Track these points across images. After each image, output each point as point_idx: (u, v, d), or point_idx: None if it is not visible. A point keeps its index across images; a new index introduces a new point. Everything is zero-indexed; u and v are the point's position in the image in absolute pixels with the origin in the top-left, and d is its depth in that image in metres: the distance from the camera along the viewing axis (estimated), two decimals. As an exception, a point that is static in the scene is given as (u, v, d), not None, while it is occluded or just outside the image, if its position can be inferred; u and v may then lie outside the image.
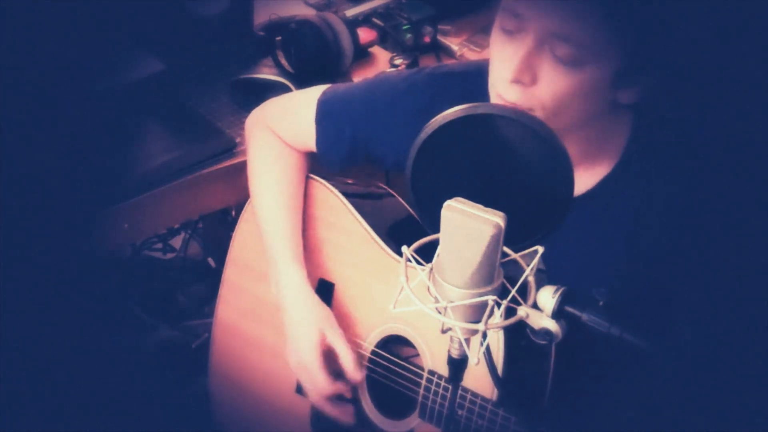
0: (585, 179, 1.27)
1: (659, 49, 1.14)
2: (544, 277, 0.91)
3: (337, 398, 1.42)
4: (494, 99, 1.18)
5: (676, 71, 1.20)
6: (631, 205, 1.26)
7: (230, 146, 1.66)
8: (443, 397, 1.34)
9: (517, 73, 1.11)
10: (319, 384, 1.39)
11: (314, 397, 1.41)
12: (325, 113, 1.44)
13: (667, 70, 1.17)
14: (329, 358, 1.40)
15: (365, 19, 1.98)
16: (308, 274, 1.44)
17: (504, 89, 1.14)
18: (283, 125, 1.51)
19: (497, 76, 1.16)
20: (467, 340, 0.90)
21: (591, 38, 1.09)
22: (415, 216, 1.50)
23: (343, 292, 1.47)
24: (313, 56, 1.79)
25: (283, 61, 1.84)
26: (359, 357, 1.43)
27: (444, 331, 0.90)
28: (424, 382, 1.36)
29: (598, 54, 1.10)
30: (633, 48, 1.11)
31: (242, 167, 1.60)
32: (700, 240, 1.22)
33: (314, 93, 1.47)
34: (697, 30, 1.16)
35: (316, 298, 1.42)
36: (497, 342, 1.24)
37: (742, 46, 1.20)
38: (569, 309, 0.92)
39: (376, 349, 1.43)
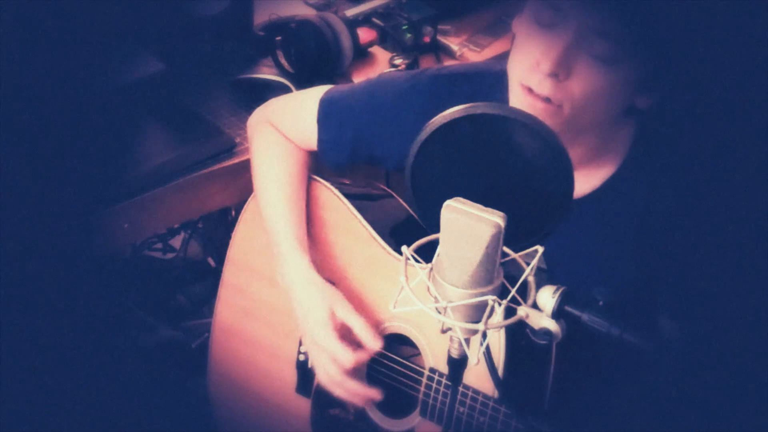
0: (589, 180, 1.27)
1: (686, 52, 1.14)
2: (545, 277, 0.91)
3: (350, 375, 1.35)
4: (519, 92, 1.17)
5: (690, 76, 1.20)
6: (634, 206, 1.26)
7: (230, 146, 1.66)
8: (444, 395, 1.34)
9: (555, 67, 1.11)
10: (339, 357, 1.33)
11: (335, 377, 1.35)
12: (326, 113, 1.44)
13: (686, 75, 1.18)
14: (342, 335, 1.36)
15: (365, 19, 1.98)
16: None
17: (536, 82, 1.14)
18: (286, 123, 1.51)
19: (528, 69, 1.15)
20: (467, 340, 0.90)
21: (629, 36, 1.09)
22: (415, 216, 1.50)
23: (343, 291, 1.47)
24: (313, 56, 1.79)
25: (283, 61, 1.84)
26: (375, 325, 1.39)
27: (444, 331, 0.90)
28: (425, 380, 1.36)
29: (633, 53, 1.11)
30: (664, 49, 1.12)
31: (242, 167, 1.60)
32: (703, 242, 1.22)
33: (317, 93, 1.48)
34: (713, 35, 1.16)
35: (321, 279, 1.40)
36: (499, 342, 1.24)
37: (746, 50, 1.20)
38: (569, 309, 0.92)
39: (376, 349, 1.43)
